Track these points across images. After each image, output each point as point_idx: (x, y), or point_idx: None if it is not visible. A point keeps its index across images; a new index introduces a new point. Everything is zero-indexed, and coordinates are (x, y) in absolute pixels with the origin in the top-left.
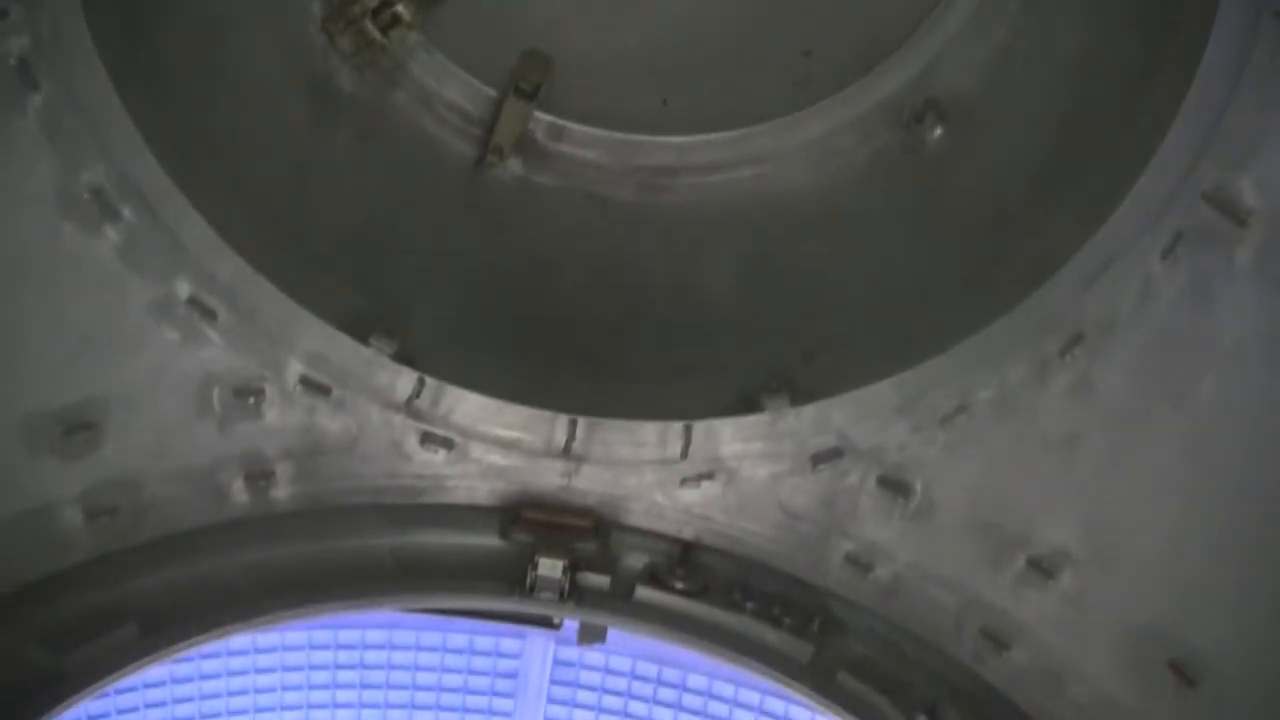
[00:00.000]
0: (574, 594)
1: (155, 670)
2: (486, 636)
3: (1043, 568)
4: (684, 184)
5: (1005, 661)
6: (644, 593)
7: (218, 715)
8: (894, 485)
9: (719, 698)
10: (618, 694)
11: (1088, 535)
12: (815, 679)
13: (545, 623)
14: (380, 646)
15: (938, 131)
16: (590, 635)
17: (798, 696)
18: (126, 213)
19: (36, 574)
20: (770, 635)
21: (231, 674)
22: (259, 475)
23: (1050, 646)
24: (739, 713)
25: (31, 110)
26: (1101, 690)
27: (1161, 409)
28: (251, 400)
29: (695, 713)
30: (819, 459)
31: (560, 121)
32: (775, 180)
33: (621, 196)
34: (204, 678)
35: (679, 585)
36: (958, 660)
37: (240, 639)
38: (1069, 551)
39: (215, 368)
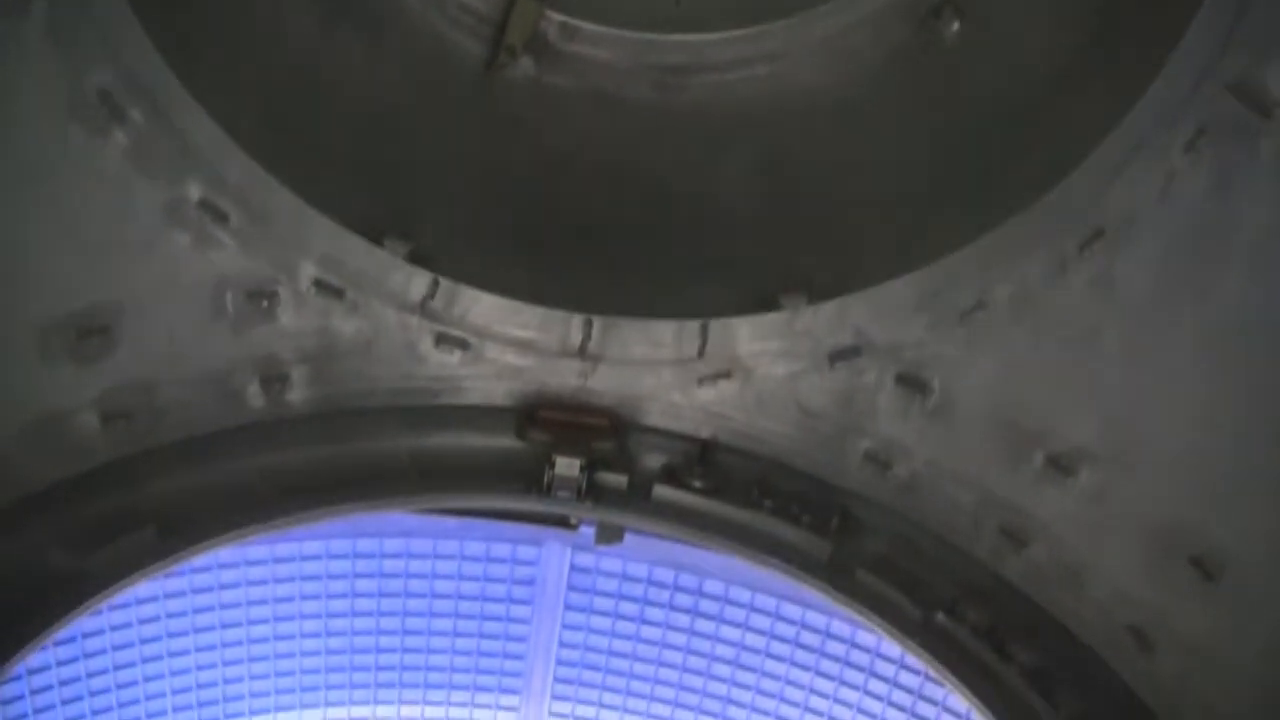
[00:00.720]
0: (591, 493)
1: (175, 581)
2: (503, 544)
3: (1062, 465)
4: (698, 83)
5: (1024, 559)
6: (662, 491)
7: (238, 624)
8: (912, 383)
9: (735, 603)
10: (634, 600)
11: (1107, 432)
12: (833, 576)
13: (563, 523)
14: (398, 555)
15: (955, 26)
16: (608, 535)
17: (816, 594)
18: (135, 115)
19: (55, 478)
20: (788, 533)
21: (250, 584)
22: (274, 378)
23: (1069, 543)
24: (755, 617)
25: (37, 13)
26: (1121, 586)
27: (1183, 304)
28: (265, 303)
29: (711, 618)
30: (837, 357)
31: (572, 21)
32: (790, 79)
33: (635, 96)
34: (223, 587)
35: (697, 484)
36: (976, 558)
37: (258, 549)
38: (1088, 448)
39: (228, 271)
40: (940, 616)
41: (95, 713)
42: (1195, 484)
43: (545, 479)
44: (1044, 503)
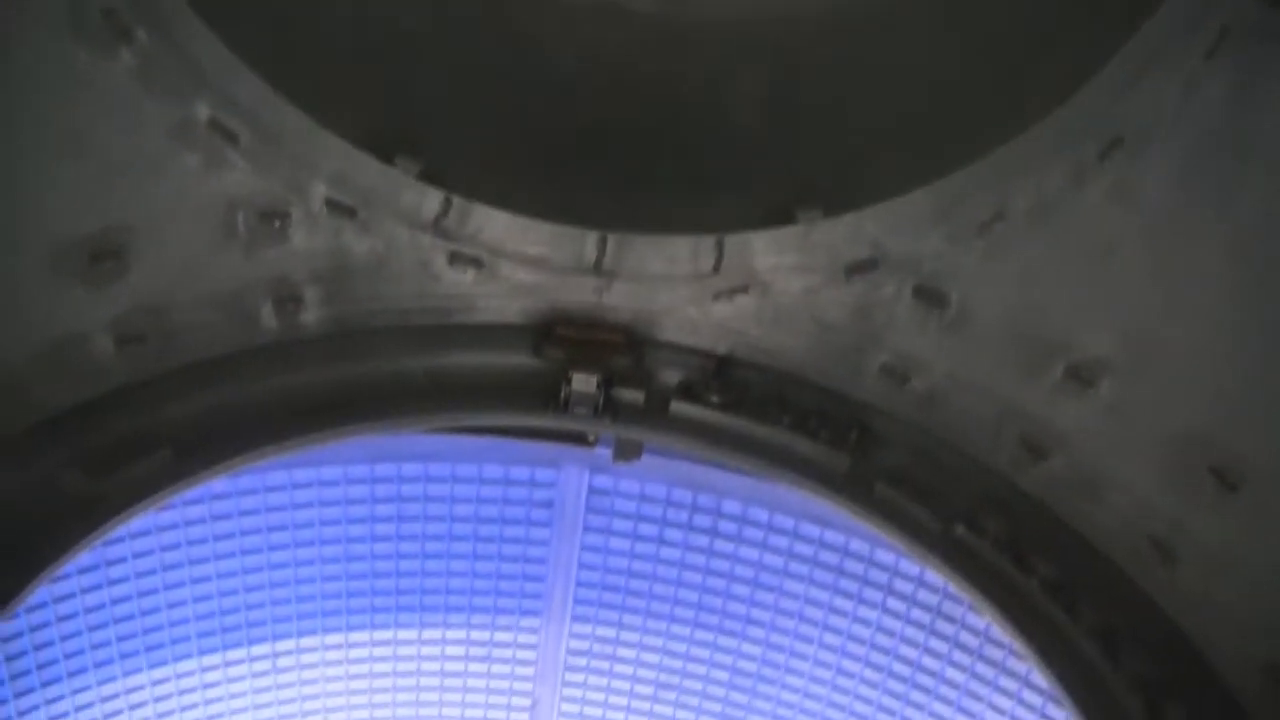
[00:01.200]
0: (609, 409)
1: (195, 509)
2: (521, 467)
3: (1081, 376)
4: None
5: (1043, 470)
6: (679, 407)
7: (258, 551)
8: (930, 295)
9: (753, 523)
10: (653, 521)
11: (1127, 343)
12: (852, 490)
13: (580, 440)
14: (416, 480)
15: None
16: (626, 452)
17: (834, 509)
18: (140, 34)
19: (70, 402)
20: (806, 447)
21: (270, 510)
22: (287, 299)
23: (1089, 455)
24: (773, 537)
25: None
26: (1141, 497)
27: (1204, 213)
28: (277, 224)
29: (730, 538)
30: (853, 270)
31: None
32: None
33: (644, 9)
34: (243, 514)
35: (714, 399)
36: (995, 470)
37: (276, 475)
38: (1108, 359)
39: (238, 191)
40: (960, 529)
41: (120, 639)
42: (1216, 394)
43: (562, 396)
44: (1063, 414)
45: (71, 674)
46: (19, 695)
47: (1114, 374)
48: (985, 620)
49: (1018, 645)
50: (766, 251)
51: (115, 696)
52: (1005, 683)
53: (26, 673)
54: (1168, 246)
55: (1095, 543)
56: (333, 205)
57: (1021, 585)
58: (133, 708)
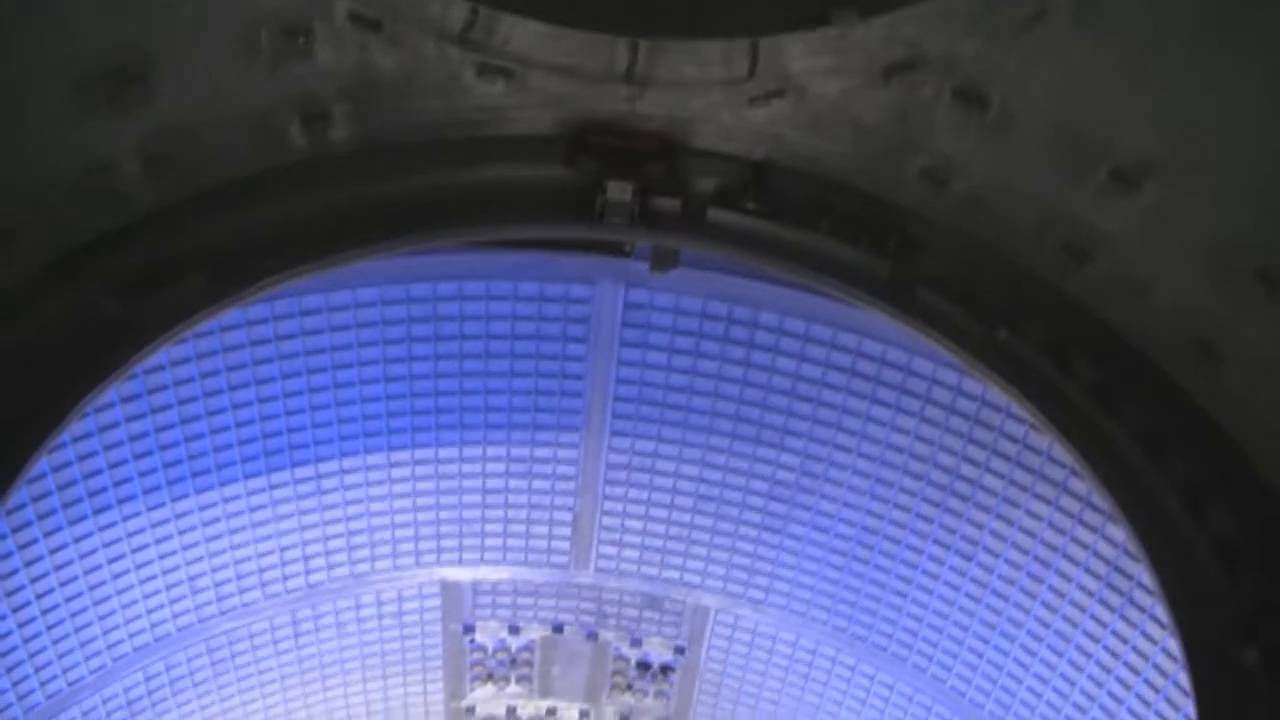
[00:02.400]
0: (645, 218)
1: (233, 335)
2: (557, 284)
3: (1125, 178)
4: None
5: (1086, 274)
6: (716, 214)
7: (297, 374)
8: (970, 97)
9: (791, 334)
10: (689, 334)
11: (1172, 144)
12: (894, 296)
13: (617, 250)
14: (451, 299)
15: None
16: (663, 261)
17: (876, 315)
18: None
19: (103, 229)
20: (846, 253)
21: (307, 334)
22: (315, 117)
23: (1133, 257)
24: (811, 348)
25: None
26: (1184, 299)
27: (1255, 7)
28: (301, 40)
29: (767, 349)
30: (891, 72)
31: None
32: None
33: None
34: (280, 338)
35: (751, 206)
36: (1038, 274)
37: (313, 299)
38: (1152, 161)
39: (261, 8)
40: (1003, 333)
41: (166, 465)
42: (1263, 196)
43: (597, 205)
44: (1107, 217)
45: (121, 501)
46: (72, 523)
47: (1158, 176)
48: (1023, 428)
49: (1059, 448)
50: (801, 55)
51: (165, 522)
52: (1042, 489)
53: (78, 501)
54: (1214, 42)
55: (1138, 345)
56: (356, 19)
57: (1064, 389)
58: (182, 532)
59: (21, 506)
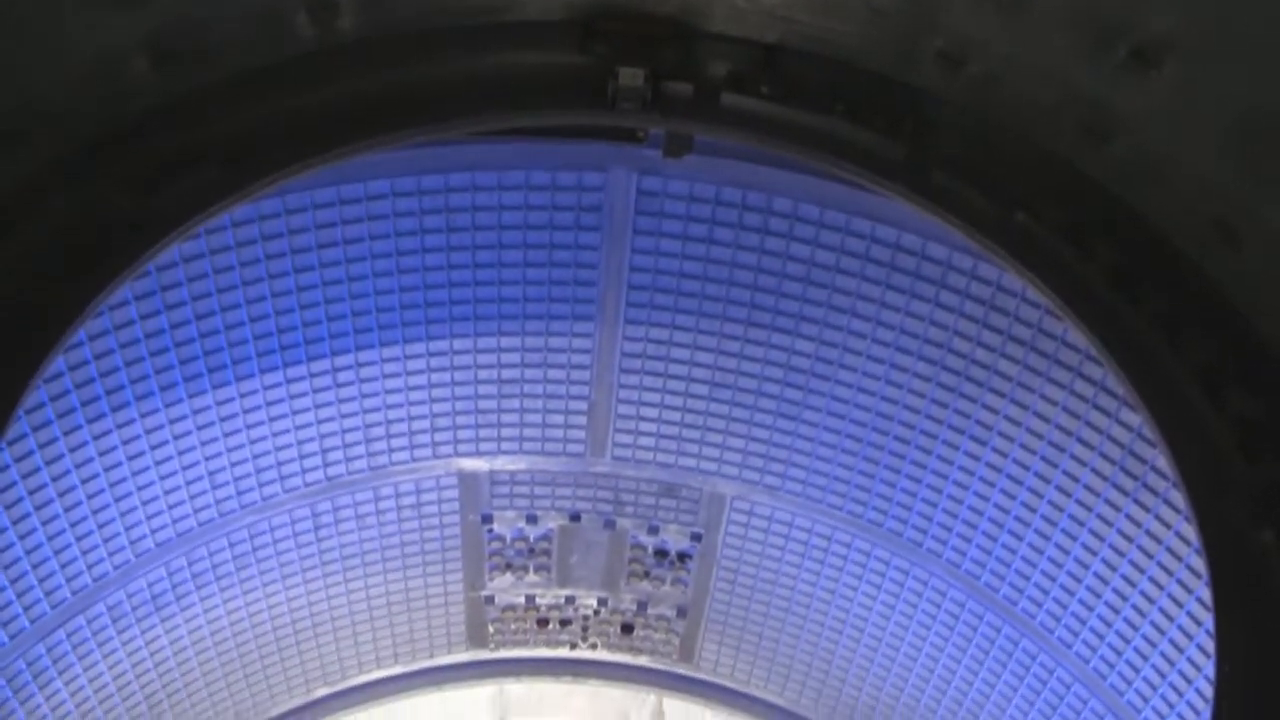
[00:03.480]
0: (657, 103)
1: (245, 230)
2: (568, 172)
3: (1146, 56)
4: None
5: (1105, 155)
6: (729, 99)
7: (310, 268)
8: None
9: (805, 220)
10: (702, 221)
11: (1195, 19)
12: (909, 178)
13: (629, 137)
14: (463, 189)
15: None
16: (676, 147)
17: (891, 197)
18: None
19: (111, 124)
20: (861, 136)
21: (319, 227)
22: (321, 6)
23: (1152, 137)
24: (825, 234)
25: None
26: (1206, 180)
27: None
28: None
29: (781, 236)
30: None
31: None
32: None
33: None
34: (293, 232)
35: (764, 90)
36: (1056, 156)
37: (324, 193)
38: (1174, 38)
39: None
40: (1019, 215)
41: (183, 362)
42: None
43: (609, 92)
44: (1126, 97)
45: (139, 398)
46: (91, 421)
47: (1180, 53)
48: (1039, 313)
49: (1075, 333)
50: None
51: (183, 419)
52: (1057, 374)
53: (96, 399)
54: None
55: (1158, 227)
56: None
57: (1082, 271)
58: (200, 428)
59: (40, 406)
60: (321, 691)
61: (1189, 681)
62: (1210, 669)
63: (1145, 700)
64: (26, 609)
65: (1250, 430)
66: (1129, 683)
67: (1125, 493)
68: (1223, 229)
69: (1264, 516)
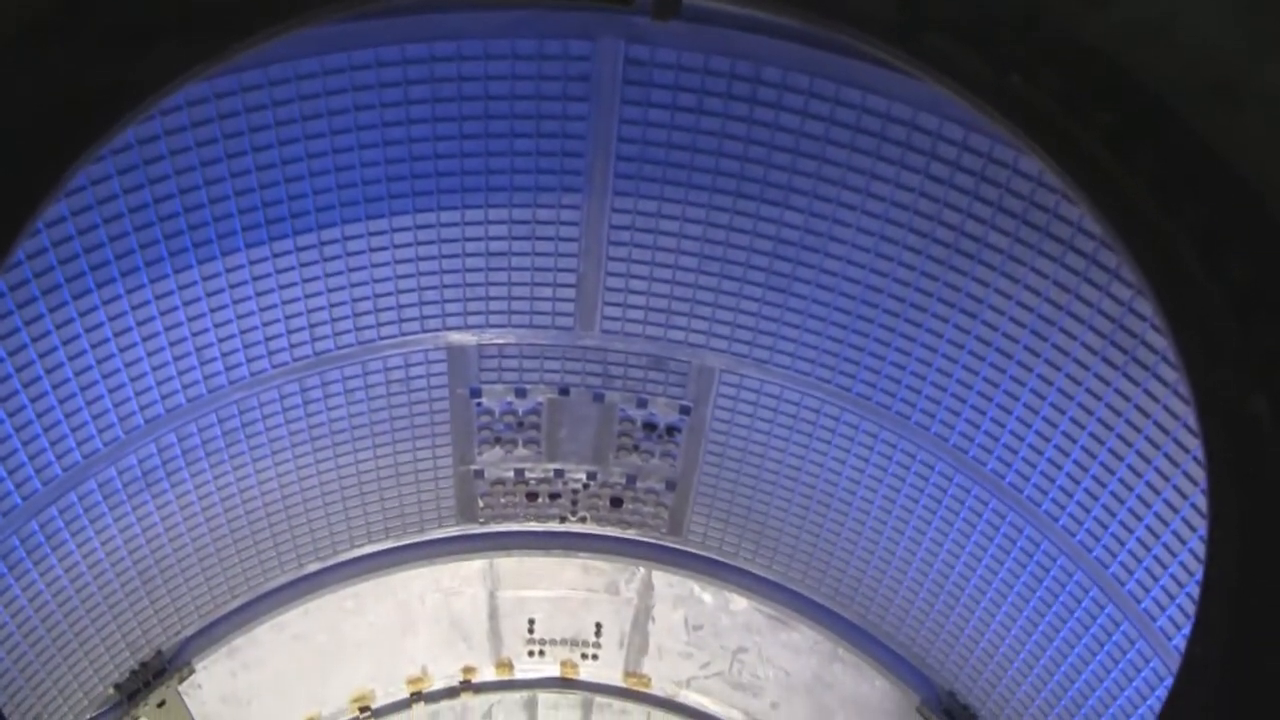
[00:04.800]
0: None
1: (229, 102)
2: (555, 40)
3: None
4: None
5: (1103, 16)
6: None
7: (294, 140)
8: None
9: (794, 90)
10: (691, 91)
11: None
12: (902, 39)
13: (617, 1)
14: (449, 59)
15: None
16: (663, 10)
17: (882, 58)
18: None
19: None
20: None
21: (304, 98)
22: None
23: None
24: (814, 103)
25: None
26: (1207, 40)
27: None
28: None
29: (770, 105)
30: None
31: None
32: None
33: None
34: (277, 104)
35: None
36: (1053, 18)
37: (308, 63)
38: None
39: None
40: (1014, 78)
41: (167, 237)
42: None
43: None
44: None
45: (125, 274)
46: (77, 297)
47: None
48: (1030, 185)
49: (1067, 204)
50: None
51: (169, 294)
52: (1049, 247)
53: (81, 275)
54: None
55: (1157, 90)
56: None
57: (1077, 135)
58: (187, 304)
59: (25, 283)
60: (313, 566)
61: (1173, 554)
62: (1195, 542)
63: (1129, 572)
64: (18, 486)
65: (1247, 296)
66: (1114, 555)
67: (1115, 366)
68: (1225, 91)
69: (1259, 384)
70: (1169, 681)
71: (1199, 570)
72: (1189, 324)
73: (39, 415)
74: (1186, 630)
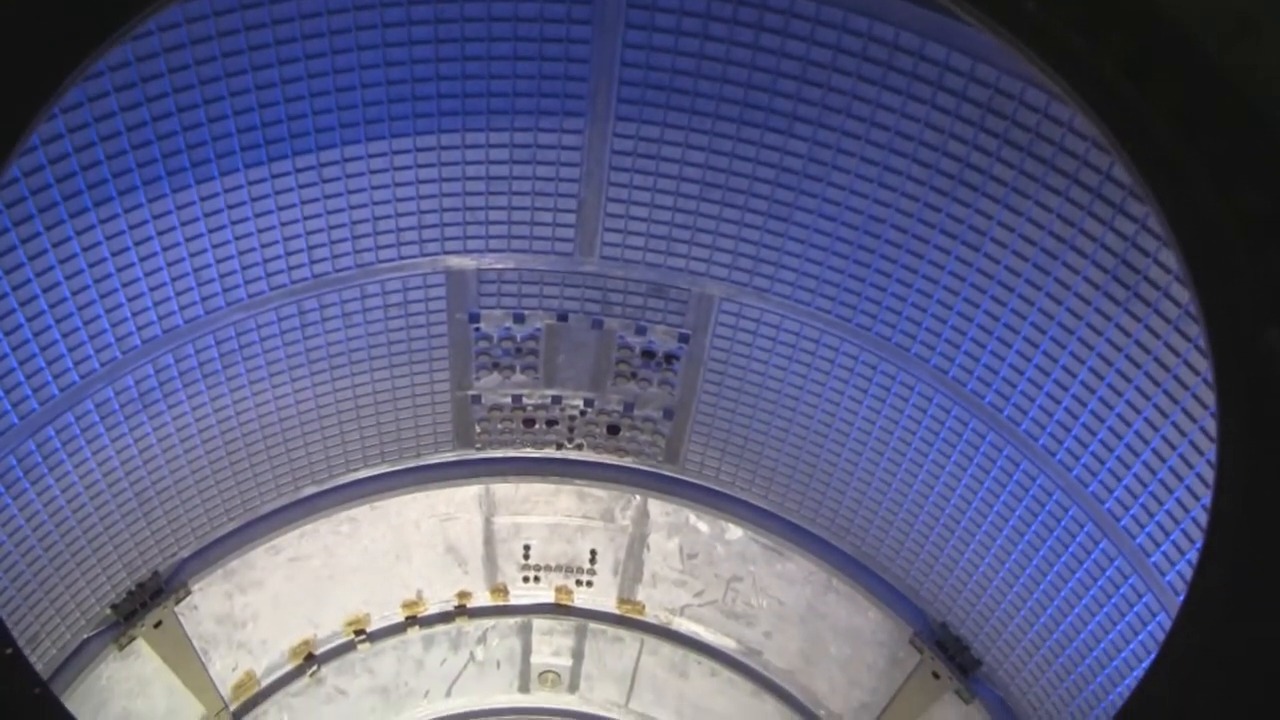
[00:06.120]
0: None
1: (228, 20)
2: None
3: None
4: None
5: None
6: None
7: (295, 59)
8: None
9: (800, 16)
10: (697, 15)
11: None
12: None
13: None
14: None
15: None
16: None
17: None
18: None
19: None
20: None
21: (304, 16)
22: None
23: None
24: (820, 31)
25: None
26: None
27: None
28: None
29: (776, 31)
30: None
31: None
32: None
33: None
34: (277, 22)
35: None
36: None
37: None
38: None
39: None
40: (1029, 4)
41: (165, 156)
42: None
43: None
44: None
45: (123, 192)
46: (74, 215)
47: None
48: (1037, 117)
49: (1072, 138)
50: None
51: (166, 214)
52: (1053, 180)
53: (78, 194)
54: None
55: (1175, 18)
56: None
57: (1093, 61)
58: (184, 224)
59: (22, 200)
60: (309, 490)
61: (1169, 490)
62: (1192, 479)
63: (1125, 508)
64: (15, 405)
65: (1261, 224)
66: (1110, 490)
67: (1117, 302)
68: (1243, 21)
69: (1271, 313)
70: (1161, 617)
71: (1195, 506)
72: (1201, 251)
73: (35, 335)
74: (1181, 566)
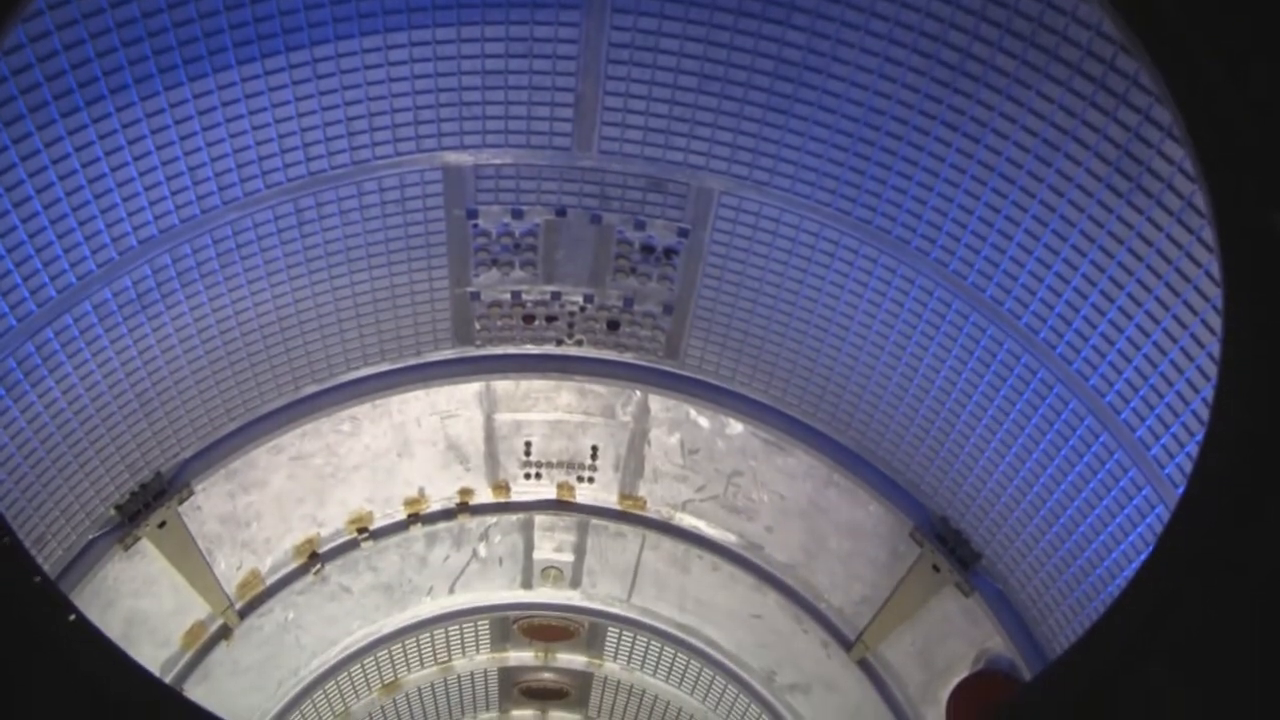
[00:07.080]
0: None
1: None
2: None
3: None
4: None
5: None
6: None
7: None
8: None
9: None
10: None
11: None
12: None
13: None
14: None
15: None
16: None
17: None
18: None
19: None
20: None
21: None
22: None
23: None
24: None
25: None
26: None
27: None
28: None
29: None
30: None
31: None
32: None
33: None
34: None
35: None
36: None
37: None
38: None
39: None
40: None
41: (156, 53)
42: None
43: None
44: None
45: (114, 91)
46: (65, 115)
47: None
48: (1039, 6)
49: (1076, 28)
50: None
51: (159, 113)
52: (1056, 70)
53: (69, 92)
54: None
55: None
56: None
57: None
58: (178, 122)
59: (11, 100)
60: (310, 389)
61: (1170, 383)
62: (1193, 372)
63: (1125, 401)
64: (13, 307)
65: (1272, 112)
66: (1110, 384)
67: (1119, 194)
68: None
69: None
70: (1160, 509)
71: (1195, 399)
72: (1211, 138)
73: (31, 237)
74: (1180, 459)
